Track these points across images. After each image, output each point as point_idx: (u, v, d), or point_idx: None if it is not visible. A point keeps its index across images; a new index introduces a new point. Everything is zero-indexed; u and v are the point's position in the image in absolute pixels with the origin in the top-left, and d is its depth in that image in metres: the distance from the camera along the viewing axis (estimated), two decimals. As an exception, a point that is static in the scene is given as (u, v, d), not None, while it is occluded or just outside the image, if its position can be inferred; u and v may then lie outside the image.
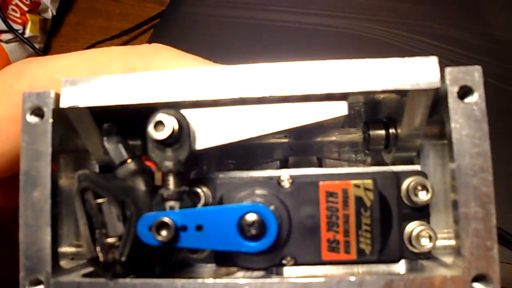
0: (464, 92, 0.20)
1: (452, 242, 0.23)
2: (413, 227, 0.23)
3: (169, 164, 0.21)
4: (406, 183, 0.23)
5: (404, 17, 0.60)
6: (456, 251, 0.21)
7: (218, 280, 0.20)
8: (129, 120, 0.24)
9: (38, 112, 0.22)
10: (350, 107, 0.27)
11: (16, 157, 0.26)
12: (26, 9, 0.76)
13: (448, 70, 0.20)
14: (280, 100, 0.22)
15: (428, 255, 0.23)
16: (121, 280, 0.21)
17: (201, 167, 0.29)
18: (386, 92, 0.21)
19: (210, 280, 0.20)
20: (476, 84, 0.20)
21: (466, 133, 0.20)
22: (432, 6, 0.61)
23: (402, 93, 0.21)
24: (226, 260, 0.23)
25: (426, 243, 0.22)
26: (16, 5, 0.75)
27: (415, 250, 0.23)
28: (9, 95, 0.26)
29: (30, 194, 0.22)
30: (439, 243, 0.23)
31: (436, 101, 0.21)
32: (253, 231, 0.20)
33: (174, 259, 0.24)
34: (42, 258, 0.21)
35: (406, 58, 0.21)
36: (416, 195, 0.23)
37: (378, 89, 0.20)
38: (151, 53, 0.27)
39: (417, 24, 0.59)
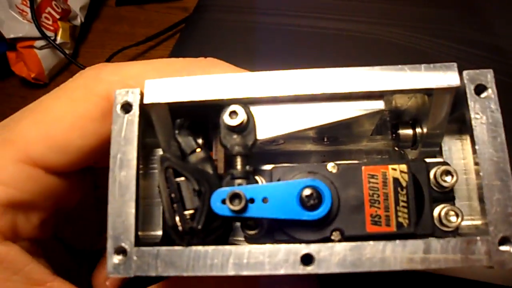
0: (480, 89, 0.25)
1: (475, 222, 0.27)
2: (441, 207, 0.27)
3: (238, 148, 0.26)
4: (433, 171, 0.27)
5: (425, 21, 0.64)
6: (481, 226, 0.25)
7: (280, 245, 0.24)
8: (195, 120, 0.28)
9: (126, 106, 0.26)
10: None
11: (92, 152, 0.30)
12: (57, 16, 0.81)
13: (465, 72, 0.25)
14: (328, 99, 0.26)
15: (455, 234, 0.27)
16: (194, 248, 0.24)
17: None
18: (415, 91, 0.26)
19: (271, 246, 0.24)
20: (489, 83, 0.25)
21: (484, 121, 0.25)
22: (452, 10, 0.64)
23: (429, 92, 0.26)
24: (281, 234, 0.26)
25: (454, 220, 0.26)
26: (49, 13, 0.80)
27: (444, 229, 0.27)
28: (90, 97, 0.30)
29: (118, 173, 0.25)
30: (464, 223, 0.27)
31: (457, 100, 0.26)
32: (312, 202, 0.24)
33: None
34: (126, 229, 0.25)
35: (432, 64, 0.26)
36: (443, 179, 0.27)
37: (411, 87, 0.25)
38: (209, 65, 0.31)
39: (438, 28, 0.62)
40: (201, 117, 0.28)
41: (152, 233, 0.30)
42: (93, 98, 0.30)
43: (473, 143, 0.25)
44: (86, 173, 0.35)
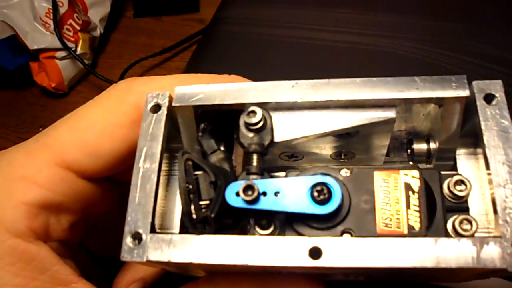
0: (489, 98, 0.26)
1: (492, 234, 0.27)
2: (455, 217, 0.27)
3: (255, 146, 0.27)
4: (446, 181, 0.27)
5: (435, 35, 0.65)
6: (497, 233, 0.24)
7: (289, 237, 0.24)
8: (220, 127, 0.30)
9: (156, 107, 0.29)
10: (394, 137, 0.33)
11: (120, 158, 0.33)
12: (78, 28, 0.85)
13: (475, 82, 0.26)
14: (342, 107, 0.28)
15: None
16: (207, 236, 0.25)
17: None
18: (426, 100, 0.27)
19: (280, 238, 0.24)
20: (498, 92, 0.26)
21: (495, 128, 0.25)
22: (462, 24, 0.65)
23: (440, 102, 0.27)
24: (292, 231, 0.27)
25: (468, 228, 0.26)
26: (70, 24, 0.84)
27: None
28: (121, 106, 0.32)
29: (142, 165, 0.27)
30: (480, 235, 0.27)
31: (468, 112, 0.27)
32: (322, 196, 0.25)
33: None
34: (144, 216, 0.26)
35: (443, 76, 0.27)
36: (457, 189, 0.27)
37: (421, 96, 0.27)
38: (233, 81, 0.34)
39: (448, 41, 0.63)
40: (225, 125, 0.31)
41: (169, 231, 0.31)
42: (124, 107, 0.32)
43: (484, 150, 0.25)
44: (113, 184, 0.37)
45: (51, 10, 0.81)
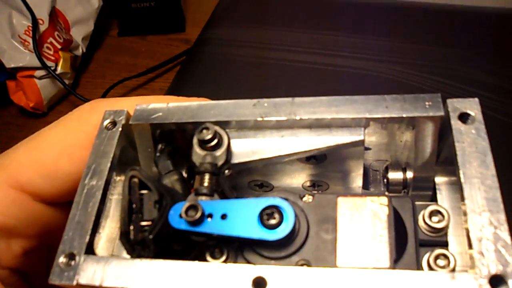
0: (464, 117, 0.23)
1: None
2: (431, 251, 0.23)
3: (207, 165, 0.25)
4: (422, 212, 0.24)
5: (424, 59, 0.63)
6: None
7: (233, 264, 0.21)
8: (178, 149, 0.29)
9: (111, 124, 0.27)
10: (374, 169, 0.30)
11: (79, 180, 0.31)
12: (59, 46, 0.81)
13: (449, 101, 0.24)
14: (307, 127, 0.26)
15: None
16: (146, 260, 0.22)
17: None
18: (397, 120, 0.25)
19: (223, 265, 0.21)
20: (474, 111, 0.23)
21: (470, 148, 0.22)
22: (453, 48, 0.64)
23: (412, 123, 0.25)
24: (243, 261, 0.24)
25: (443, 264, 0.22)
26: (51, 43, 0.80)
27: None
28: (83, 126, 0.31)
29: (88, 182, 0.26)
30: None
31: (445, 134, 0.24)
32: (272, 221, 0.22)
33: None
34: (82, 235, 0.24)
35: (416, 94, 0.25)
36: (432, 220, 0.24)
37: (390, 116, 0.24)
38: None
39: (443, 67, 0.61)
40: (184, 145, 0.29)
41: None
42: (85, 127, 0.31)
43: (458, 173, 0.22)
44: None
45: (30, 28, 0.78)
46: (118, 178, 0.28)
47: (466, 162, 0.22)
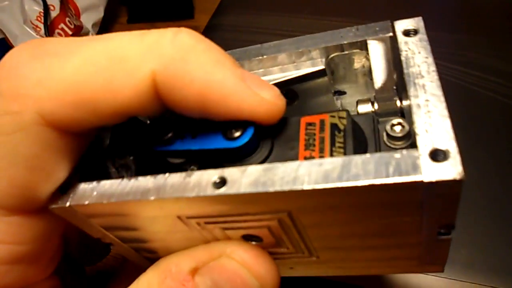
0: (408, 32, 0.25)
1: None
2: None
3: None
4: (386, 126, 0.26)
5: (439, 45, 0.62)
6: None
7: (196, 171, 0.23)
8: None
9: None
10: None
11: None
12: (70, 32, 0.81)
13: (395, 22, 0.26)
14: (274, 65, 0.29)
15: None
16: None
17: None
18: (352, 46, 0.27)
19: (187, 172, 0.23)
20: (418, 27, 0.25)
21: (411, 55, 0.24)
22: (467, 35, 0.63)
23: (366, 47, 0.27)
24: None
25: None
26: (62, 29, 0.81)
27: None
28: None
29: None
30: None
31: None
32: (236, 134, 0.24)
33: None
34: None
35: (368, 24, 0.27)
36: (393, 130, 0.25)
37: (344, 42, 0.27)
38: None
39: (451, 53, 0.60)
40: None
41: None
42: None
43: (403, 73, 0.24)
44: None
45: (42, 14, 0.79)
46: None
47: (410, 66, 0.24)
